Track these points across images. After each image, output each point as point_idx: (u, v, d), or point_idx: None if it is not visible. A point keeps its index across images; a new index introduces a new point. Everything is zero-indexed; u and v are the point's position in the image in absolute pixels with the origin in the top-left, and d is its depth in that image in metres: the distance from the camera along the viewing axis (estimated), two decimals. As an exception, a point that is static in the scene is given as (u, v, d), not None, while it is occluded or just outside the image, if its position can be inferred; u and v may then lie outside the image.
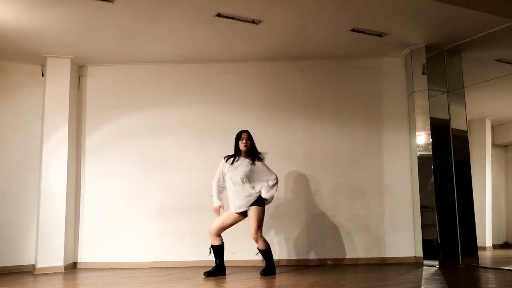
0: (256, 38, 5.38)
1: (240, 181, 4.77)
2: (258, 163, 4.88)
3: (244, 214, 4.83)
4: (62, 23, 4.87)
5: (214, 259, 4.88)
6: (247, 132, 4.97)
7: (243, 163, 4.84)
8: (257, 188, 4.80)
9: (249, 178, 4.80)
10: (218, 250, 4.85)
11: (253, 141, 4.97)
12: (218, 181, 4.95)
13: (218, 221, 4.85)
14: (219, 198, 4.91)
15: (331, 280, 4.51)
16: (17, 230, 5.69)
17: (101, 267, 5.68)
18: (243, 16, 4.79)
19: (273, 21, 4.95)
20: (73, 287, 4.59)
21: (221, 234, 4.87)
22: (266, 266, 4.85)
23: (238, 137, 4.95)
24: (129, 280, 4.78)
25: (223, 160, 4.97)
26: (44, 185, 5.59)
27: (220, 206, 4.87)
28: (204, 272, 4.75)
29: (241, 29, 5.08)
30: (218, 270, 4.82)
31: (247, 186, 4.78)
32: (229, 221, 4.85)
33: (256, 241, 4.78)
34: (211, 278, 4.68)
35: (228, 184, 4.86)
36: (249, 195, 4.77)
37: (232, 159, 4.91)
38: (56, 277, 5.10)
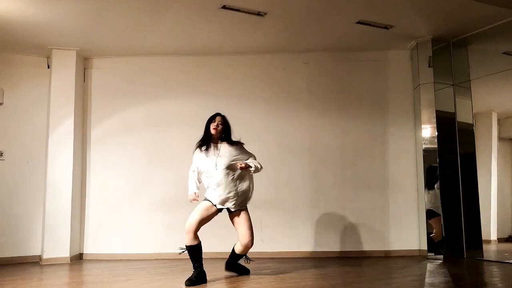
0: (261, 31, 5.36)
1: (225, 170, 4.13)
2: (237, 146, 4.26)
3: (220, 209, 4.20)
4: (67, 15, 4.88)
5: (192, 263, 4.12)
6: (220, 115, 4.34)
7: (224, 149, 4.20)
8: (247, 184, 4.23)
9: (233, 166, 4.16)
10: (197, 251, 4.08)
11: (228, 125, 4.32)
12: (194, 172, 4.33)
13: (196, 216, 4.09)
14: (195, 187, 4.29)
15: (335, 273, 4.53)
16: (24, 221, 5.74)
17: (106, 258, 5.72)
18: (248, 8, 4.78)
19: (278, 14, 4.93)
20: (79, 278, 4.64)
21: (197, 232, 4.11)
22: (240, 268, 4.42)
23: (210, 120, 4.31)
24: (134, 271, 4.82)
25: (197, 150, 4.32)
26: (50, 177, 5.62)
27: (196, 194, 4.24)
28: (185, 281, 3.94)
29: (246, 21, 5.07)
30: (200, 276, 4.03)
31: (236, 177, 4.15)
32: (207, 215, 4.13)
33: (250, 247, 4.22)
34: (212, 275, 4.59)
35: (210, 174, 4.17)
36: (244, 193, 4.19)
37: (205, 146, 4.25)
38: (62, 268, 5.15)
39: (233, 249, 4.34)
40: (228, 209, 4.19)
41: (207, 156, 4.18)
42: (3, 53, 5.83)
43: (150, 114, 6.05)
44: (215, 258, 4.94)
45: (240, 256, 4.32)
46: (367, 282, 4.04)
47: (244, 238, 4.16)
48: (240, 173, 4.15)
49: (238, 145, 4.25)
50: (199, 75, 6.11)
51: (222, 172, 4.10)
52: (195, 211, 4.13)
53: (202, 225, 4.11)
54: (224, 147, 4.20)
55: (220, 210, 4.18)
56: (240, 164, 4.09)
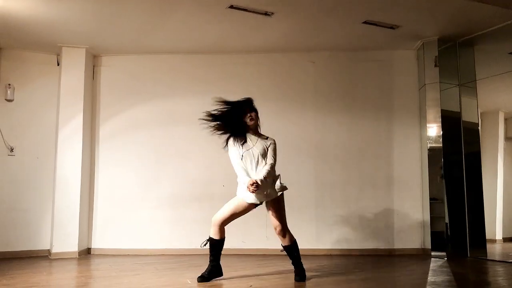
0: (268, 30, 5.41)
1: (256, 164, 3.96)
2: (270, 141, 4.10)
3: (256, 204, 4.02)
4: (77, 13, 4.95)
5: (210, 256, 4.08)
6: (252, 102, 4.09)
7: (257, 142, 4.02)
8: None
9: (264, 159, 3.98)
10: (217, 246, 4.03)
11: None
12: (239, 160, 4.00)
13: (227, 210, 3.97)
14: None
15: (339, 270, 4.58)
16: (33, 216, 5.83)
17: (114, 253, 5.81)
18: (255, 8, 4.82)
19: (285, 13, 4.97)
20: (87, 272, 4.73)
21: (225, 227, 4.04)
22: (299, 267, 4.10)
23: (242, 110, 4.04)
24: (142, 266, 4.90)
25: (232, 143, 4.05)
26: (59, 173, 5.71)
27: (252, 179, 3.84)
28: (198, 277, 3.97)
29: (254, 21, 5.11)
30: (213, 271, 4.02)
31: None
32: (239, 211, 3.97)
33: (284, 236, 4.04)
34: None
35: (246, 170, 3.97)
36: (273, 183, 3.99)
37: (239, 139, 4.02)
38: (71, 262, 5.24)
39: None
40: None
41: (243, 148, 3.97)
42: (14, 51, 5.92)
43: (158, 112, 6.12)
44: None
45: (289, 250, 4.10)
46: (371, 280, 4.09)
47: (278, 223, 4.00)
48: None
49: (266, 138, 4.10)
50: (207, 73, 6.17)
51: (255, 167, 3.94)
52: (228, 205, 4.01)
53: (233, 219, 4.02)
54: (258, 140, 4.05)
55: (255, 206, 4.02)
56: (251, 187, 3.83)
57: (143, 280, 4.14)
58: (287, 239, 4.05)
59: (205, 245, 4.06)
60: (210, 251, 4.05)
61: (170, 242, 5.89)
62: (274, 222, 4.01)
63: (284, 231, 4.03)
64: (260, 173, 3.90)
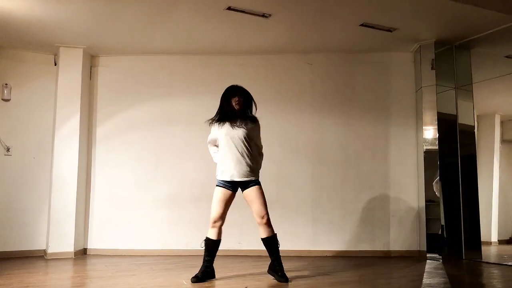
0: (265, 31, 5.42)
1: (241, 143, 4.01)
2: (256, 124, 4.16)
3: (233, 190, 4.04)
4: (75, 13, 4.95)
5: (204, 256, 4.10)
6: (240, 87, 4.26)
7: (244, 124, 4.07)
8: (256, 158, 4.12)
9: (249, 140, 4.05)
10: (212, 247, 4.06)
11: (250, 101, 4.20)
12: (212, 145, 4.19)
13: (214, 204, 4.01)
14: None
15: (335, 272, 4.59)
16: (30, 216, 5.83)
17: (110, 254, 5.81)
18: (253, 9, 4.84)
19: (282, 15, 4.99)
20: (83, 273, 4.73)
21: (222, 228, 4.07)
22: (279, 264, 4.05)
23: (231, 94, 4.16)
24: (138, 267, 4.90)
25: (213, 124, 4.15)
26: (56, 173, 5.71)
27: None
28: (192, 278, 3.98)
29: (251, 22, 5.13)
30: (207, 272, 4.05)
31: (248, 150, 4.03)
32: (223, 198, 4.01)
33: (270, 225, 4.02)
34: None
35: (225, 148, 4.04)
36: (254, 164, 4.06)
37: (219, 122, 4.11)
38: (67, 262, 5.24)
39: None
40: (240, 187, 4.05)
41: (222, 129, 4.06)
42: (11, 50, 5.92)
43: (155, 112, 6.13)
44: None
45: (271, 241, 4.03)
46: (366, 282, 4.10)
47: (259, 212, 4.00)
48: (249, 145, 4.04)
49: (254, 122, 4.15)
50: (204, 74, 6.18)
51: (237, 146, 4.00)
52: (213, 203, 4.04)
53: (225, 212, 4.02)
54: (241, 121, 4.08)
55: (234, 190, 4.03)
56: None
57: (139, 280, 4.14)
58: (271, 228, 4.03)
59: (203, 246, 4.12)
60: (205, 251, 4.09)
61: (167, 242, 5.90)
62: (260, 210, 3.99)
63: (270, 219, 4.03)
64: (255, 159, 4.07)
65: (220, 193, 4.04)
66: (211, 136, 4.18)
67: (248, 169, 4.02)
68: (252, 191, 4.03)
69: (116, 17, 5.06)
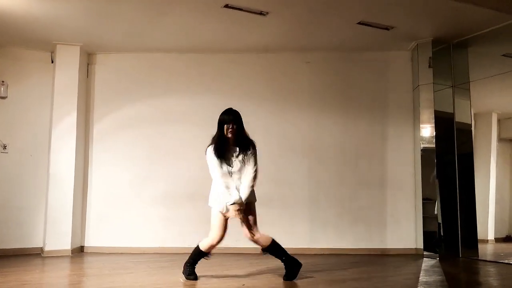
0: (263, 30, 5.42)
1: (238, 173, 3.95)
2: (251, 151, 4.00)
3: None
4: (72, 11, 4.94)
5: (191, 260, 4.09)
6: (233, 113, 4.01)
7: (238, 154, 3.96)
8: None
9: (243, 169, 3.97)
10: (201, 257, 4.06)
11: (242, 125, 4.01)
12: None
13: (219, 229, 3.95)
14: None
15: (332, 270, 4.60)
16: (26, 214, 5.82)
17: (107, 252, 5.80)
18: (250, 7, 4.83)
19: (280, 13, 4.98)
20: (80, 270, 4.72)
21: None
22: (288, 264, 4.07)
23: (224, 122, 3.96)
24: (135, 264, 4.90)
25: (211, 151, 3.96)
26: (53, 171, 5.70)
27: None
28: (188, 276, 4.01)
29: (249, 20, 5.12)
30: (192, 272, 4.05)
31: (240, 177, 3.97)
32: (225, 222, 3.98)
33: (260, 238, 4.02)
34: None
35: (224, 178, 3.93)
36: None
37: (218, 154, 3.94)
38: (64, 260, 5.23)
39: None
40: None
41: (223, 162, 3.93)
42: (8, 47, 5.90)
43: (152, 110, 6.12)
44: (213, 253, 5.01)
45: (273, 248, 4.05)
46: (363, 279, 4.11)
47: (249, 231, 4.00)
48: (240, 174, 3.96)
49: (250, 150, 3.97)
50: (201, 72, 6.17)
51: (234, 176, 3.93)
52: (214, 226, 3.96)
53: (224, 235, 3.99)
54: (234, 149, 3.96)
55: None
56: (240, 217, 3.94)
57: (136, 278, 4.15)
58: (265, 239, 4.01)
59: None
60: (194, 256, 4.04)
61: (164, 240, 5.89)
62: (252, 226, 3.98)
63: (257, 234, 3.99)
64: (244, 190, 3.88)
65: (223, 219, 3.97)
66: (215, 165, 3.94)
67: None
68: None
69: (113, 15, 5.05)
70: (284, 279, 3.99)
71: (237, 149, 3.96)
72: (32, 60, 6.00)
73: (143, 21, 5.20)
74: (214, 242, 3.95)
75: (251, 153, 3.98)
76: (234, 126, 3.93)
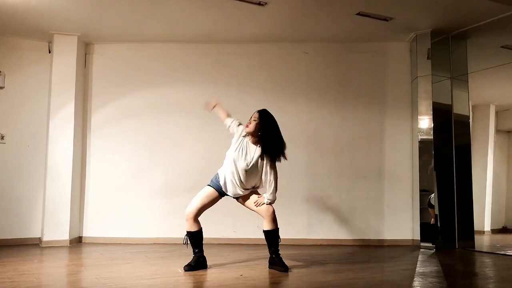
0: (261, 20, 5.39)
1: (243, 170, 4.00)
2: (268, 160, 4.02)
3: (221, 196, 4.14)
4: (70, 1, 4.90)
5: (192, 248, 4.12)
6: (261, 112, 4.06)
7: (252, 150, 4.03)
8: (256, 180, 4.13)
9: (252, 171, 4.02)
10: (197, 237, 4.06)
11: (268, 126, 4.00)
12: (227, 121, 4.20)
13: (196, 203, 4.04)
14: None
15: (329, 260, 4.62)
16: (24, 204, 5.82)
17: (105, 242, 5.82)
18: (249, -3, 4.81)
19: (279, 3, 4.95)
20: (78, 261, 4.74)
21: (198, 218, 4.08)
22: (277, 257, 4.09)
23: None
24: (133, 255, 4.91)
25: (241, 133, 4.09)
26: (51, 161, 5.69)
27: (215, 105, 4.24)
28: (184, 266, 4.01)
29: (247, 10, 5.09)
30: (199, 261, 4.06)
31: (247, 178, 4.04)
32: (209, 201, 4.07)
33: (273, 218, 4.05)
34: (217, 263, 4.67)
35: (229, 164, 4.04)
36: (252, 187, 4.16)
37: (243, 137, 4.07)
38: (62, 251, 5.25)
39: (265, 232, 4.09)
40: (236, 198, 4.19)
41: (238, 146, 4.05)
42: (5, 37, 5.86)
43: (150, 100, 6.10)
44: (211, 244, 5.03)
45: (274, 234, 4.08)
46: (360, 270, 4.13)
47: (266, 211, 4.06)
48: (253, 173, 4.04)
49: (265, 156, 4.01)
50: (200, 62, 6.15)
51: (239, 171, 4.00)
52: (196, 197, 4.08)
53: (203, 211, 4.08)
54: (256, 149, 4.03)
55: (221, 196, 4.13)
56: (256, 202, 4.09)
57: (134, 268, 4.16)
58: (275, 222, 4.07)
59: (186, 242, 4.09)
60: (192, 244, 4.09)
61: (162, 231, 5.90)
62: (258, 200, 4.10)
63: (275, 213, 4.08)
64: (269, 195, 4.06)
65: (208, 191, 4.09)
66: (234, 126, 4.15)
67: (242, 191, 4.08)
68: (249, 194, 4.14)
69: (111, 5, 5.02)
70: (268, 267, 4.07)
71: (257, 148, 4.03)
72: (29, 50, 5.97)
73: (141, 10, 5.17)
74: (187, 212, 4.05)
75: (267, 161, 4.02)
76: (255, 121, 3.99)
